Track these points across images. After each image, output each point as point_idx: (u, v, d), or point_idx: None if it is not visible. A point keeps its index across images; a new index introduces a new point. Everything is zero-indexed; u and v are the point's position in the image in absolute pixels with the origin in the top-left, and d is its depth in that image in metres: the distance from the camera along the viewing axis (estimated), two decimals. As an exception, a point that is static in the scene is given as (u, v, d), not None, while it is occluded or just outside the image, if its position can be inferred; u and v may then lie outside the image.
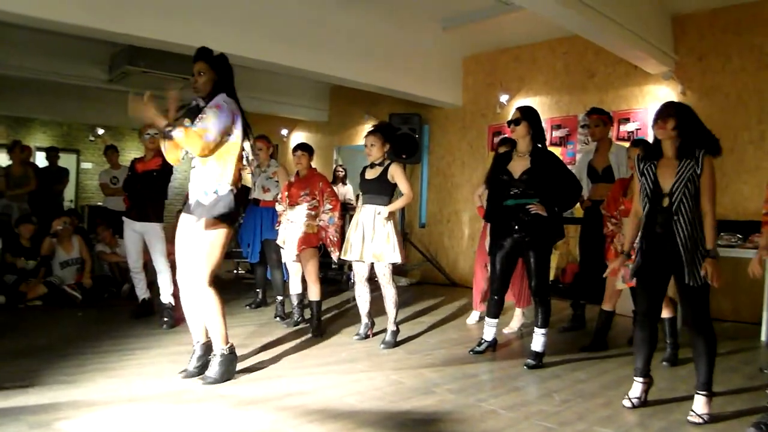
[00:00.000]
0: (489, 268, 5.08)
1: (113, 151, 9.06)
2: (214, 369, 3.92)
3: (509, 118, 4.76)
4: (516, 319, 5.94)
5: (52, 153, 10.19)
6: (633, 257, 3.85)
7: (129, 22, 5.87)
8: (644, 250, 3.62)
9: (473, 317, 6.30)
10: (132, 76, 8.88)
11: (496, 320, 4.93)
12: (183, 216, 4.02)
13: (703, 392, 3.48)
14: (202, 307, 3.95)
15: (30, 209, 8.42)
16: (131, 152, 14.58)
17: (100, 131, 14.81)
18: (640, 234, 3.69)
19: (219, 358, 3.94)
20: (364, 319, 5.41)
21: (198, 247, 3.87)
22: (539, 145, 4.68)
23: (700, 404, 3.48)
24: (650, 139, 6.11)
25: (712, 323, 3.55)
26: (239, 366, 4.19)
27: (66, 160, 12.44)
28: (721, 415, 3.55)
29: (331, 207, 5.63)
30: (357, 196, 5.37)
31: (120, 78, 9.07)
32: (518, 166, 4.65)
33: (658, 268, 3.61)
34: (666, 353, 4.77)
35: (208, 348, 4.06)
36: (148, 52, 8.01)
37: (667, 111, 3.57)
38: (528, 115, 4.66)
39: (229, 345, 3.97)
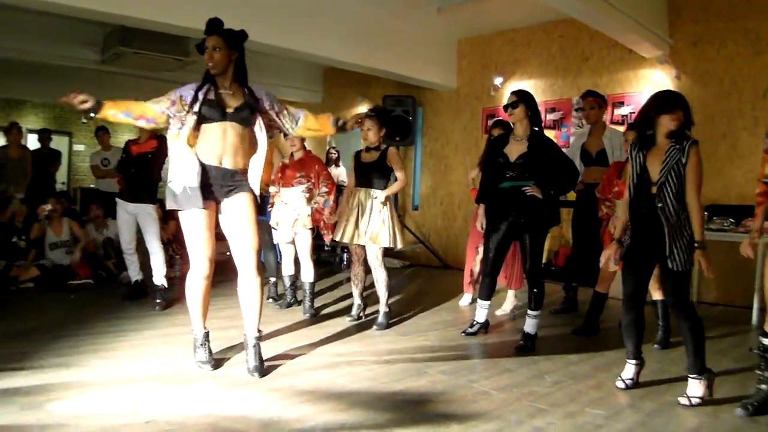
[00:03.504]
0: (482, 250, 5.09)
1: (104, 133, 8.97)
2: (258, 358, 3.79)
3: (504, 101, 4.74)
4: (508, 301, 5.96)
5: (44, 135, 10.10)
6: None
7: (121, 2, 5.79)
8: (632, 233, 3.64)
9: (465, 299, 6.31)
10: (125, 57, 8.80)
11: (489, 302, 4.94)
12: (199, 211, 3.67)
13: (693, 374, 3.51)
14: (251, 292, 3.79)
15: (23, 192, 8.35)
16: (124, 134, 14.46)
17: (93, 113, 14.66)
18: (627, 218, 3.70)
19: (259, 344, 3.85)
20: (357, 301, 5.42)
21: (251, 230, 3.77)
22: (536, 129, 4.68)
23: (692, 387, 3.51)
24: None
25: (694, 306, 3.59)
26: (231, 347, 4.21)
27: (58, 142, 12.33)
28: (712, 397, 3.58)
29: (327, 190, 5.63)
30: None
31: (113, 59, 8.98)
32: (515, 149, 4.64)
33: (644, 252, 3.63)
34: (657, 336, 4.79)
35: (207, 335, 3.95)
36: (141, 33, 7.91)
37: (677, 103, 3.52)
38: (525, 98, 4.64)
39: None
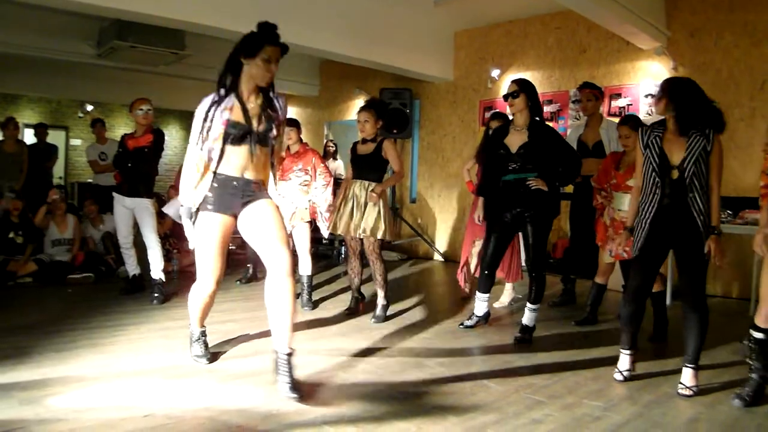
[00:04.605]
0: (479, 242, 5.08)
1: (101, 125, 8.93)
2: (293, 376, 3.29)
3: (503, 92, 4.70)
4: (506, 294, 5.96)
5: (40, 129, 10.07)
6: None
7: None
8: (650, 223, 3.60)
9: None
10: (120, 51, 8.77)
11: (487, 295, 4.92)
12: (217, 215, 3.44)
13: (692, 365, 3.53)
14: (283, 298, 3.25)
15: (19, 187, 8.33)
16: (120, 128, 14.44)
17: (89, 107, 14.65)
18: (643, 207, 3.65)
19: (291, 362, 3.30)
20: (355, 294, 5.42)
21: (279, 226, 3.39)
22: (537, 119, 4.60)
23: (688, 377, 3.53)
24: (641, 115, 6.14)
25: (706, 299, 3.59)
26: (229, 341, 4.20)
27: (55, 137, 12.32)
28: (709, 387, 3.61)
29: (324, 183, 5.62)
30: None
31: (108, 53, 8.94)
32: (515, 140, 4.57)
33: (659, 244, 3.62)
34: (653, 327, 4.79)
35: (204, 332, 3.88)
36: (137, 27, 7.88)
37: (660, 90, 3.59)
38: (525, 87, 4.56)
39: None
